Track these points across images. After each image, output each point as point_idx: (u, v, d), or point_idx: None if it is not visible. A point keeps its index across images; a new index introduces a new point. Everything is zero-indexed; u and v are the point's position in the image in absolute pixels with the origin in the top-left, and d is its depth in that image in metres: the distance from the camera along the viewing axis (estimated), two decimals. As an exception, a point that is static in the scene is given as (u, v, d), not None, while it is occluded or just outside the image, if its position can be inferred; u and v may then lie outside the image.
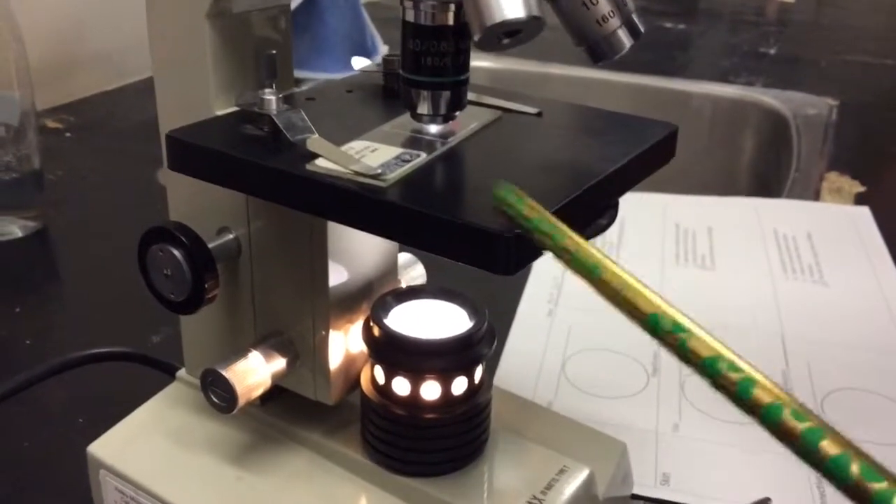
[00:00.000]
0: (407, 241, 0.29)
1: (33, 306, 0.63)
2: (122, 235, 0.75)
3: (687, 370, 0.57)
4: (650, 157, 0.34)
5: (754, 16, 1.63)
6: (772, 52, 1.38)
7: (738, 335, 0.59)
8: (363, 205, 0.29)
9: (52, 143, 0.92)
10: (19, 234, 0.73)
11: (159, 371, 0.49)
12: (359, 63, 0.42)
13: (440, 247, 0.28)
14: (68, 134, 0.97)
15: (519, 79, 1.22)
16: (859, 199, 0.84)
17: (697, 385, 0.55)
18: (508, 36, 0.29)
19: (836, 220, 0.78)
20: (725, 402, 0.54)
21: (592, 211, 0.31)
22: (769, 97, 1.11)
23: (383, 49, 1.10)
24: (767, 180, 1.05)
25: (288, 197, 0.31)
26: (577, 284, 0.71)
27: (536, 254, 0.28)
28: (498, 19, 0.28)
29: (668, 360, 0.57)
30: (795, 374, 0.55)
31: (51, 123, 0.98)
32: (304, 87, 0.41)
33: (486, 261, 0.27)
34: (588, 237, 0.30)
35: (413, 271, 0.47)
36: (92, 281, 0.68)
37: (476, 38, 0.29)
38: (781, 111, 1.08)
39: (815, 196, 0.85)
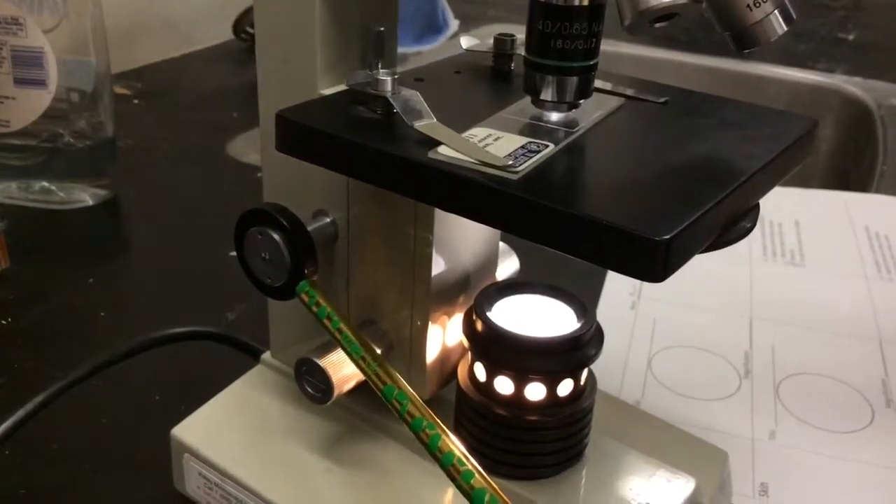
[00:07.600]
0: (538, 238, 0.27)
1: (105, 277, 0.63)
2: (192, 207, 0.74)
3: (781, 374, 0.54)
4: (792, 154, 0.32)
5: (827, -1, 1.56)
6: (850, 37, 1.33)
7: (831, 337, 0.57)
8: (496, 199, 0.27)
9: (121, 110, 0.91)
10: (90, 202, 0.72)
11: (241, 352, 0.48)
12: (466, 42, 0.40)
13: (578, 249, 0.26)
14: (136, 101, 0.96)
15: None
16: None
17: (794, 390, 0.53)
18: (660, 20, 0.26)
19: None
20: (826, 410, 0.51)
21: (737, 213, 0.29)
22: (851, 85, 1.07)
23: (454, 24, 1.07)
24: (846, 173, 1.01)
25: (408, 186, 0.30)
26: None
27: (686, 258, 0.25)
28: (655, 3, 0.25)
29: (761, 361, 0.55)
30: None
31: (118, 90, 0.97)
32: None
33: (635, 267, 0.25)
34: (732, 241, 0.28)
35: (508, 262, 0.45)
36: (163, 253, 0.67)
37: (626, 22, 0.26)
38: (864, 100, 1.03)
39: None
